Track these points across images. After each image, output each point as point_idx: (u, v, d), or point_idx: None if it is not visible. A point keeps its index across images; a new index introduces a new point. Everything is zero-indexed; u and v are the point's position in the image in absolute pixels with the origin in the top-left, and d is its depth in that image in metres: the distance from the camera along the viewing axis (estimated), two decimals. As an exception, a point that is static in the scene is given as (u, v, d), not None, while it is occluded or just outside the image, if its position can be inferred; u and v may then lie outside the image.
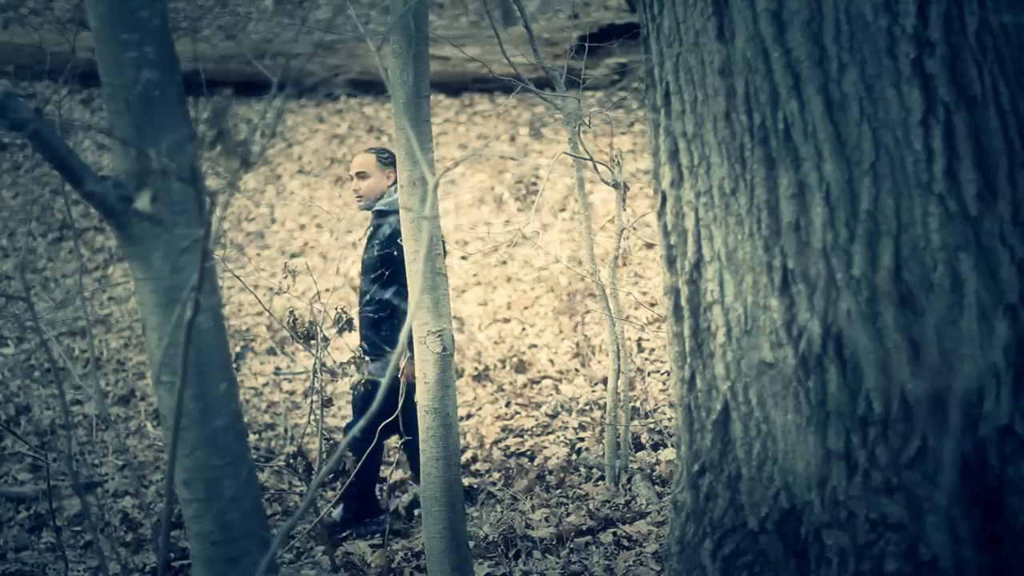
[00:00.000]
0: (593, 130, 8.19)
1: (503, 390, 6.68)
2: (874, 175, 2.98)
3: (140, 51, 2.18)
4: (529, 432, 6.23)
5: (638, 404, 6.20)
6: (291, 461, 6.17)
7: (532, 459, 5.95)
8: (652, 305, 7.11)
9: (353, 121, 10.56)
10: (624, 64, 9.04)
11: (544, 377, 6.78)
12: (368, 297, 5.45)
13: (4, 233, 9.48)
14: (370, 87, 10.43)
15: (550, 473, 5.72)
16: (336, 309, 5.19)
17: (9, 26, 13.10)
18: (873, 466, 3.07)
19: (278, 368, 7.43)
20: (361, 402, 5.42)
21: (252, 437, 6.60)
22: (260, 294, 7.94)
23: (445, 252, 4.51)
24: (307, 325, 6.04)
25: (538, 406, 6.42)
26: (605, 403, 5.80)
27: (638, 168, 8.60)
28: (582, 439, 6.06)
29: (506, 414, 6.46)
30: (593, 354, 6.85)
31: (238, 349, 7.58)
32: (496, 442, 6.17)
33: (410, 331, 4.22)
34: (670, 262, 3.43)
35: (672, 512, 3.55)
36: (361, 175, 5.47)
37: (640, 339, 6.87)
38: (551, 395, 6.56)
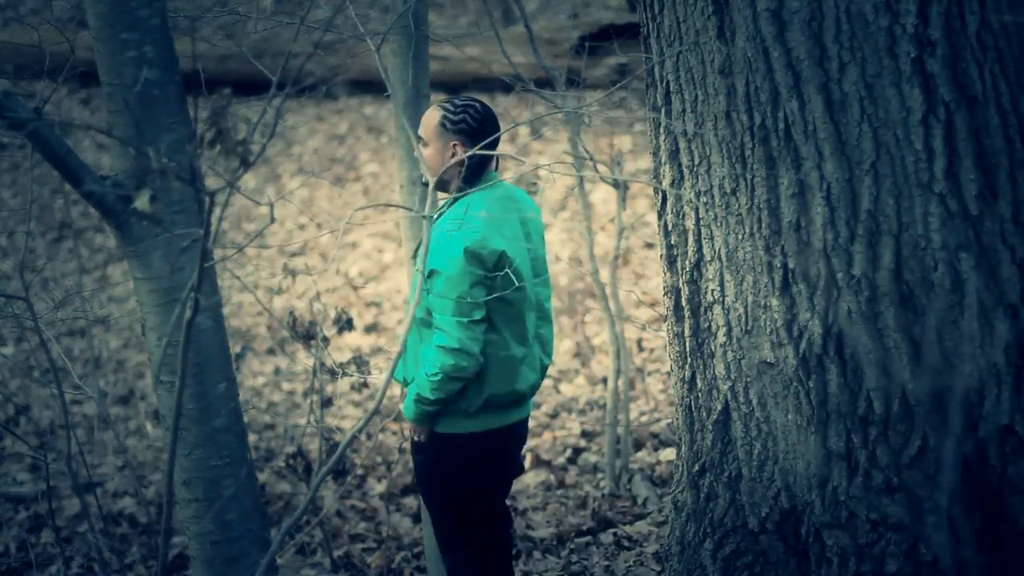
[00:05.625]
0: (593, 130, 8.18)
1: (503, 390, 6.67)
2: (875, 175, 2.97)
3: (140, 50, 2.18)
4: (529, 432, 6.22)
5: (638, 404, 6.19)
6: (291, 461, 6.17)
7: (532, 459, 5.94)
8: (652, 305, 7.10)
9: (353, 121, 10.55)
10: (624, 64, 9.03)
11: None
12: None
13: (4, 233, 9.48)
14: (370, 87, 10.41)
15: (550, 473, 5.71)
16: (336, 309, 5.18)
17: (9, 25, 13.09)
18: (874, 466, 3.07)
19: (278, 368, 7.43)
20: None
21: (252, 437, 6.60)
22: (260, 294, 7.93)
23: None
24: (307, 325, 6.04)
25: (538, 406, 6.41)
26: (605, 403, 5.79)
27: (638, 168, 8.59)
28: (582, 439, 6.05)
29: (506, 414, 6.45)
30: (593, 354, 6.84)
31: (238, 349, 7.57)
32: (496, 442, 6.16)
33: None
34: (670, 262, 3.42)
35: (672, 512, 3.55)
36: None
37: (640, 339, 6.86)
38: (551, 395, 6.55)
